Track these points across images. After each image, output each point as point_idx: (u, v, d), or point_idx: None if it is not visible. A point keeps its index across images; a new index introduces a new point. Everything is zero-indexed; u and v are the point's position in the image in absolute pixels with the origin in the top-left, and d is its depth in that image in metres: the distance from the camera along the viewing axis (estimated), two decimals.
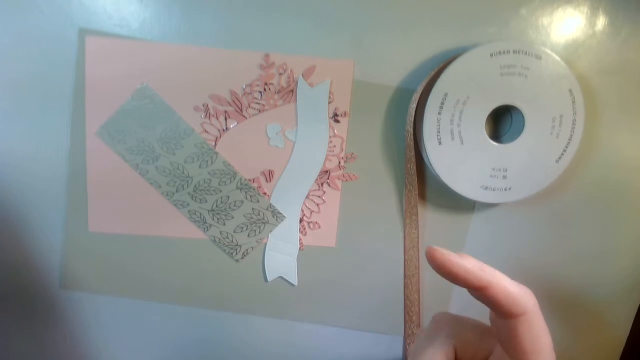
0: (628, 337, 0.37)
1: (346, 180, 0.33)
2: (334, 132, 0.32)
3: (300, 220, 0.34)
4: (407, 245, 0.34)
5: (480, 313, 0.36)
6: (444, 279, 0.32)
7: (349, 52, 0.31)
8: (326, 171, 0.33)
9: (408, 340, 0.36)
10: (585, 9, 0.31)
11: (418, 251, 0.34)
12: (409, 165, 0.32)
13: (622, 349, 0.37)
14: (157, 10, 0.30)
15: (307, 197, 0.33)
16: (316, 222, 0.34)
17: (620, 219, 0.35)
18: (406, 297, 0.35)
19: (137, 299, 0.35)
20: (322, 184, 0.33)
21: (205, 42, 0.30)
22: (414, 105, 0.30)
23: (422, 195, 0.34)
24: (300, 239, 0.34)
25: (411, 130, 0.31)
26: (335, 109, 0.32)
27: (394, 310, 0.36)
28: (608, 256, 0.35)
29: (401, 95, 0.32)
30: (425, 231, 0.34)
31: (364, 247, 0.34)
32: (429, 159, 0.31)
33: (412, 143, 0.31)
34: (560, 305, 0.36)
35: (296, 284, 0.35)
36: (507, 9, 0.31)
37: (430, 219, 0.34)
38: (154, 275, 0.35)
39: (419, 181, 0.33)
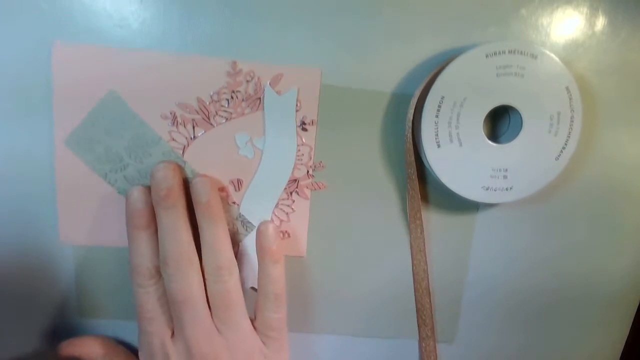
0: (628, 337, 0.37)
1: (315, 189, 0.33)
2: (302, 140, 0.32)
3: None
4: (413, 251, 0.34)
5: (492, 311, 0.35)
6: (454, 280, 0.34)
7: (320, 59, 0.31)
8: (295, 180, 0.33)
9: (423, 344, 0.35)
10: (584, 10, 0.31)
11: (425, 255, 0.34)
12: (409, 170, 0.32)
13: (622, 349, 0.37)
14: (157, 10, 0.30)
15: (276, 206, 0.33)
16: (286, 231, 0.34)
17: (620, 218, 0.34)
18: (417, 301, 0.35)
19: (110, 319, 0.35)
20: (291, 193, 0.33)
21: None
22: (411, 110, 0.30)
23: (424, 199, 0.34)
24: None
25: (410, 135, 0.31)
26: (303, 117, 0.32)
27: (383, 314, 0.36)
28: (608, 255, 0.35)
29: (394, 100, 0.32)
30: (430, 235, 0.34)
31: (336, 255, 0.34)
32: (428, 163, 0.31)
33: (411, 147, 0.31)
34: (560, 304, 0.36)
35: None
36: (507, 9, 0.31)
37: (434, 222, 0.34)
38: (127, 290, 0.34)
39: (420, 185, 0.33)
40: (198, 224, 0.29)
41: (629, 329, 0.37)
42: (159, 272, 0.29)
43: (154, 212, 0.29)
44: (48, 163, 0.32)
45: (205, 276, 0.29)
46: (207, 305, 0.29)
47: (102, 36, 0.30)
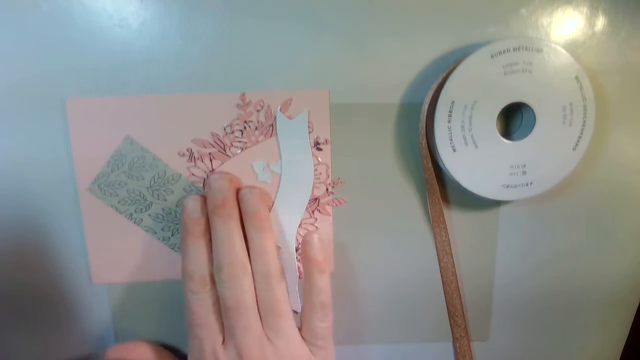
0: (628, 337, 0.37)
1: (336, 205, 0.34)
2: (318, 160, 0.33)
3: (297, 249, 0.34)
4: (440, 254, 0.34)
5: (522, 307, 0.36)
6: (482, 278, 0.35)
7: (326, 79, 0.31)
8: (315, 199, 0.33)
9: (457, 344, 0.36)
10: (584, 9, 0.31)
11: (452, 257, 0.34)
12: (428, 176, 0.32)
13: (622, 349, 0.37)
14: (157, 10, 0.30)
15: (300, 225, 0.34)
16: None
17: (621, 219, 0.35)
18: (448, 303, 0.35)
19: None
20: (313, 212, 0.34)
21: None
22: (423, 118, 0.31)
23: (445, 202, 0.34)
24: (298, 267, 0.34)
25: (424, 142, 0.31)
26: (316, 137, 0.32)
27: (415, 319, 0.36)
28: (608, 256, 0.35)
29: (404, 110, 0.32)
30: (454, 236, 0.35)
31: (361, 267, 0.35)
32: (446, 168, 0.31)
33: (427, 154, 0.32)
34: (559, 305, 0.36)
35: (300, 310, 0.35)
36: (506, 9, 0.31)
37: (457, 223, 0.34)
38: (160, 322, 0.35)
39: (440, 189, 0.33)
40: (247, 234, 0.30)
41: (628, 329, 0.37)
42: (212, 279, 0.30)
43: (208, 220, 0.30)
44: (75, 210, 0.33)
45: (255, 284, 0.30)
46: (257, 312, 0.30)
47: (102, 37, 0.30)
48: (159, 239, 0.34)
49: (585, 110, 0.30)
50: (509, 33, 0.31)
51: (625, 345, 0.37)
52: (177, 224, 0.33)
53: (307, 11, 0.30)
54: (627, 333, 0.37)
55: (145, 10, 0.30)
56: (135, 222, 0.33)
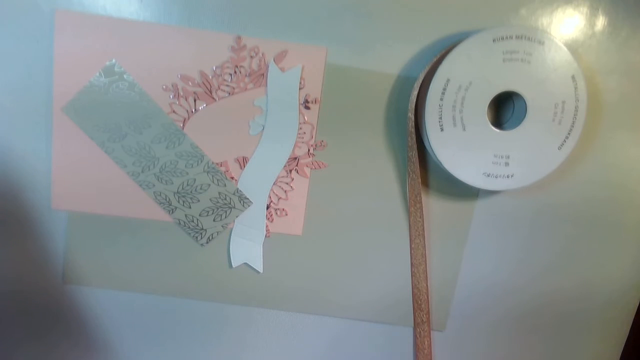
0: (628, 337, 0.37)
1: (315, 168, 0.33)
2: (304, 118, 0.32)
3: (268, 207, 0.33)
4: (412, 234, 0.34)
5: (483, 298, 0.35)
6: (448, 267, 0.34)
7: (326, 37, 0.31)
8: (295, 158, 0.33)
9: (418, 329, 0.35)
10: (585, 10, 0.31)
11: (424, 239, 0.34)
12: (410, 153, 0.32)
13: (622, 349, 0.37)
14: (157, 10, 0.30)
15: (275, 183, 0.33)
16: (283, 209, 0.34)
17: (620, 219, 0.34)
18: (414, 286, 0.35)
19: (95, 287, 0.35)
20: (290, 171, 0.33)
21: (177, 21, 0.30)
22: (415, 92, 0.30)
23: (425, 184, 0.33)
24: (266, 226, 0.34)
25: (412, 116, 0.31)
26: (306, 95, 0.32)
27: (378, 298, 0.36)
28: (607, 256, 0.35)
29: (399, 83, 0.32)
30: (428, 220, 0.34)
31: (331, 235, 0.34)
32: (430, 146, 0.30)
33: (413, 130, 0.31)
34: (560, 304, 0.36)
35: (261, 271, 0.34)
36: (507, 8, 0.31)
37: (433, 209, 0.34)
38: (114, 260, 0.34)
39: (421, 170, 0.33)
40: None
41: (628, 330, 0.37)
42: None
43: None
44: (46, 130, 0.31)
45: None
46: None
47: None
48: (127, 173, 0.32)
49: (576, 111, 0.30)
50: None
51: (625, 346, 0.37)
52: (149, 160, 0.32)
53: None
54: (627, 333, 0.37)
55: (145, 10, 0.30)
56: (106, 152, 0.32)
